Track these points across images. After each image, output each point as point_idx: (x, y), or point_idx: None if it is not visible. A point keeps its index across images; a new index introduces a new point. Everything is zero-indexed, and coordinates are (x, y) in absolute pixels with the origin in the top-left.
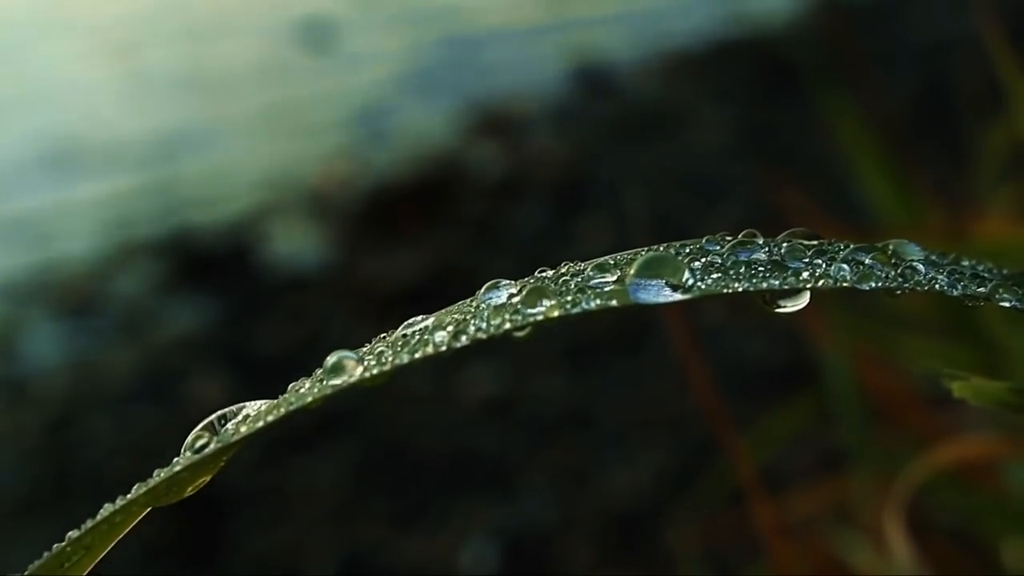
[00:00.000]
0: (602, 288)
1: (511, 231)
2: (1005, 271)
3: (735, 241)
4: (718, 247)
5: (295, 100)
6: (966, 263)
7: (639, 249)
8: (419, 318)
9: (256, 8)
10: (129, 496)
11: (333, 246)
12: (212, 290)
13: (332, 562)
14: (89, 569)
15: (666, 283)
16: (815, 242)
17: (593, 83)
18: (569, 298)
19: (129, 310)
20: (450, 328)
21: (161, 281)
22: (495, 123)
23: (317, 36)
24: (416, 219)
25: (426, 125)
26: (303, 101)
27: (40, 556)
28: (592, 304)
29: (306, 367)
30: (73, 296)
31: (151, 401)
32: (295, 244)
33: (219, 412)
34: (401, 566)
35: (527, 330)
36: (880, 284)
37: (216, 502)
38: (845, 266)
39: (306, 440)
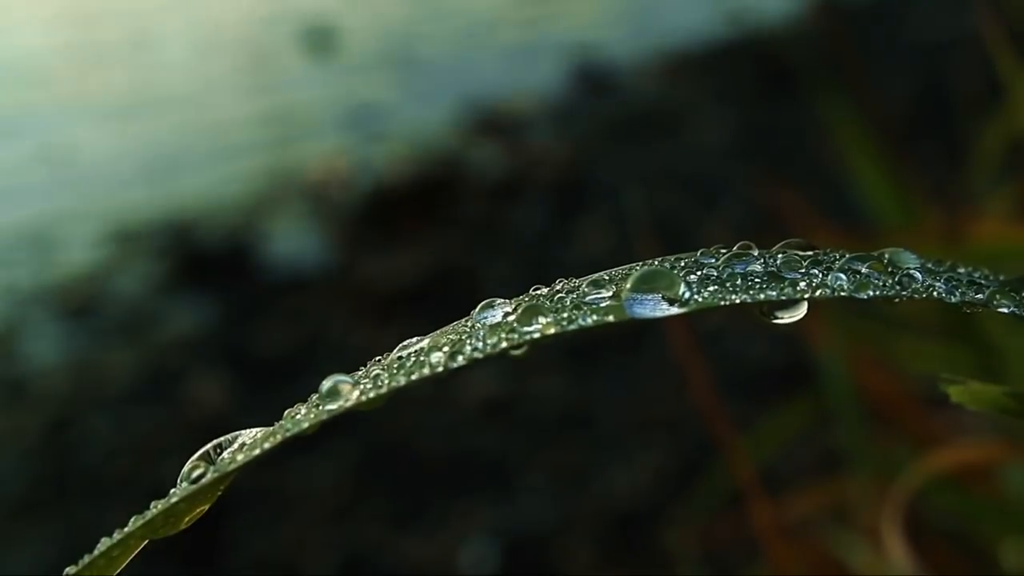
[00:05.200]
0: (598, 304)
1: (511, 231)
2: (1002, 277)
3: (730, 253)
4: (714, 260)
5: (295, 99)
6: (962, 270)
7: (634, 264)
8: (415, 339)
9: (258, 8)
10: (127, 529)
11: (333, 246)
12: (212, 290)
13: (332, 562)
14: None
15: (663, 297)
16: (811, 252)
17: (593, 83)
18: (565, 315)
19: (129, 310)
20: (446, 349)
21: (161, 281)
22: (495, 123)
23: (318, 36)
24: (416, 219)
25: (426, 124)
26: (303, 100)
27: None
28: (589, 320)
29: (305, 368)
30: (73, 296)
31: (151, 401)
32: (295, 244)
33: (214, 441)
34: (401, 566)
35: (524, 348)
36: (878, 293)
37: (216, 502)
38: (842, 275)
39: (306, 440)
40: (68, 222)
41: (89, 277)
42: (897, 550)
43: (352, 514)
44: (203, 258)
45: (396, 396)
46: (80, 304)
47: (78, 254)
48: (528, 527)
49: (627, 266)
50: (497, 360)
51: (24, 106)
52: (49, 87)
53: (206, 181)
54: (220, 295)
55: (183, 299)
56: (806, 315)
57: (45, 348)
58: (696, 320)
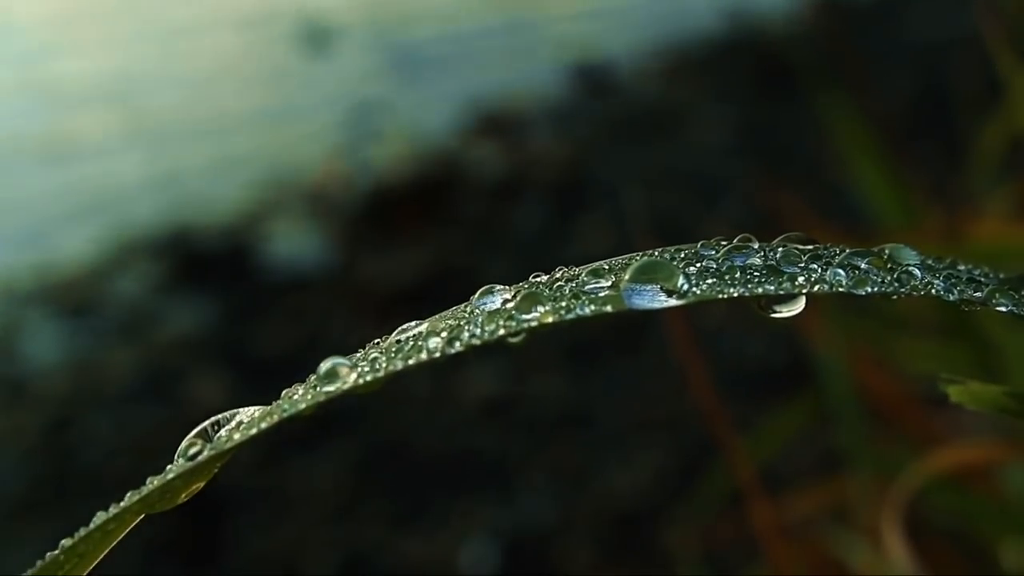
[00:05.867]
0: (597, 293)
1: (510, 231)
2: (1001, 275)
3: (730, 246)
4: (713, 252)
5: (294, 98)
6: (962, 267)
7: (634, 254)
8: (413, 324)
9: (256, 7)
10: (122, 504)
11: (332, 246)
12: (212, 290)
13: (332, 562)
14: None
15: (661, 288)
16: (810, 247)
17: (593, 83)
18: (564, 304)
19: (129, 310)
20: (444, 334)
21: (161, 281)
22: (494, 123)
23: (316, 35)
24: (415, 219)
25: (425, 124)
26: (302, 99)
27: (39, 557)
28: (587, 310)
29: (306, 367)
30: (73, 296)
31: (151, 401)
32: (295, 244)
33: (212, 419)
34: (401, 566)
35: (521, 336)
36: (876, 289)
37: (216, 502)
38: (841, 271)
39: (306, 440)
40: (69, 222)
41: (89, 277)
42: (897, 550)
43: (352, 514)
44: (203, 258)
45: (396, 394)
46: (80, 304)
47: (78, 254)
48: (528, 527)
49: (627, 256)
50: (497, 359)
51: (27, 104)
52: (52, 88)
53: (205, 180)
54: (220, 295)
55: (183, 299)
56: (806, 314)
57: (45, 348)
58: (696, 319)
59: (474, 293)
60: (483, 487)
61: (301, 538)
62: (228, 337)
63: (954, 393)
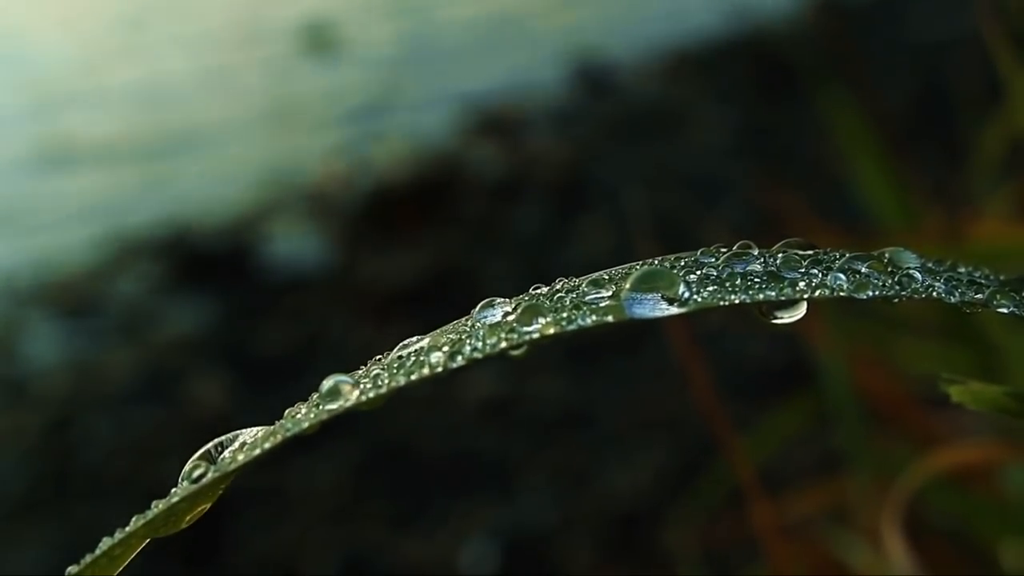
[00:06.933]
0: (598, 303)
1: (511, 231)
2: (1002, 277)
3: (730, 253)
4: (713, 259)
5: (295, 98)
6: (962, 270)
7: (634, 263)
8: (414, 339)
9: (258, 6)
10: (128, 529)
11: (333, 246)
12: (212, 290)
13: (332, 562)
14: None
15: (662, 297)
16: (811, 252)
17: (593, 82)
18: (565, 314)
19: (129, 310)
20: (446, 348)
21: (161, 281)
22: (495, 123)
23: (317, 35)
24: (416, 219)
25: (426, 124)
26: (302, 99)
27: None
28: (588, 320)
29: (306, 368)
30: (73, 296)
31: (151, 401)
32: (295, 244)
33: (215, 440)
34: (401, 566)
35: (523, 348)
36: (877, 293)
37: (216, 502)
38: (841, 275)
39: (306, 440)
40: (68, 221)
41: (89, 277)
42: (897, 550)
43: (352, 514)
44: (203, 258)
45: (396, 395)
46: (80, 304)
47: (78, 254)
48: (528, 527)
49: (627, 265)
50: (497, 360)
51: (28, 100)
52: (53, 80)
53: (206, 180)
54: (220, 295)
55: (183, 299)
56: (806, 315)
57: (45, 348)
58: (697, 320)
59: (473, 293)
60: (483, 487)
61: (301, 538)
62: (228, 337)
63: (955, 393)
